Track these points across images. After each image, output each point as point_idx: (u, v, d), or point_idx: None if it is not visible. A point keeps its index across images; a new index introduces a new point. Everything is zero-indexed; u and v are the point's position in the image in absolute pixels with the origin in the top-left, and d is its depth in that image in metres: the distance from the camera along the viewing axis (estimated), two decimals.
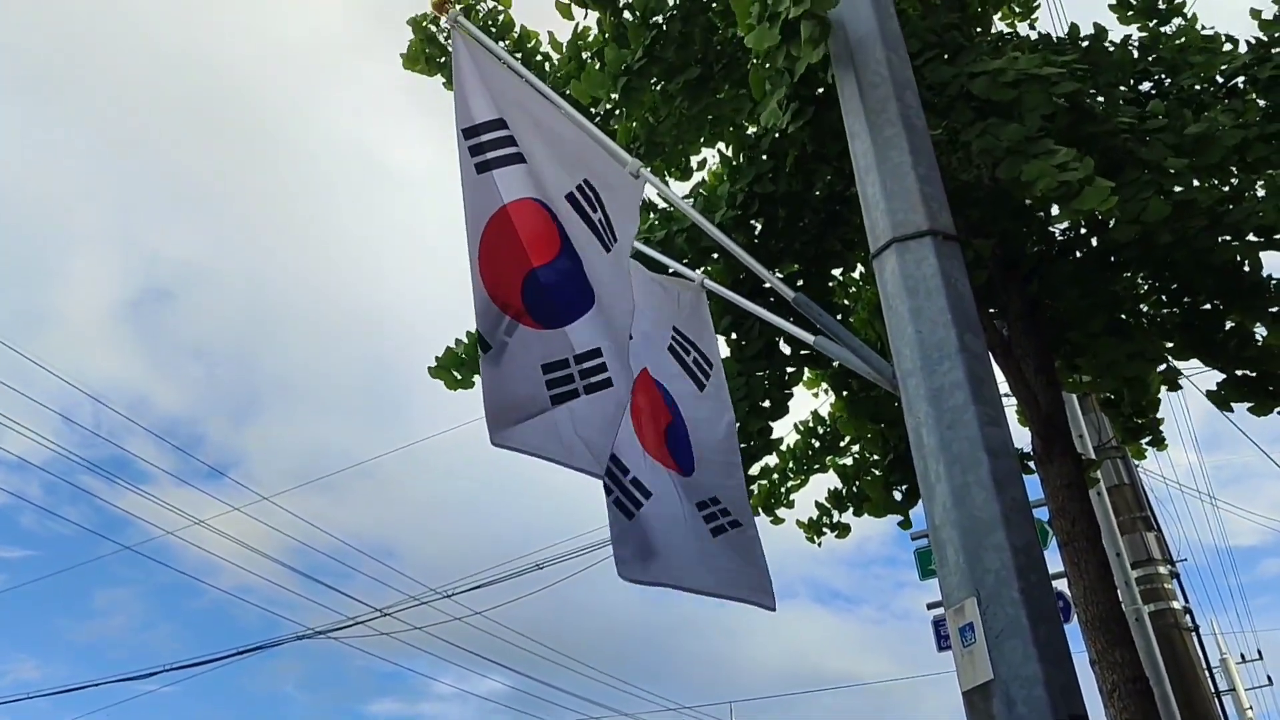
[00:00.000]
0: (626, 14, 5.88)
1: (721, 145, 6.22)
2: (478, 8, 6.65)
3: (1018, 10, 7.26)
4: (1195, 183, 4.74)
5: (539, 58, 6.73)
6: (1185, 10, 5.85)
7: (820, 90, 4.88)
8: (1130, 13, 6.03)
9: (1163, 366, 6.02)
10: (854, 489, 6.76)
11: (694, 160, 6.85)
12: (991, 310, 5.96)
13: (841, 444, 7.03)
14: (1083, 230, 5.98)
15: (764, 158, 5.37)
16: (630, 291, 3.83)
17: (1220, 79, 5.41)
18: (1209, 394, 5.53)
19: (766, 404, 5.74)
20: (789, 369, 5.80)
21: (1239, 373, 5.44)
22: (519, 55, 6.58)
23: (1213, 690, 10.48)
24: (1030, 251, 5.96)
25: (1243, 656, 21.99)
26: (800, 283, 5.65)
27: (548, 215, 3.79)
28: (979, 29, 6.45)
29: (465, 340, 6.17)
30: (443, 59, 6.74)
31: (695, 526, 4.25)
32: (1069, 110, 4.67)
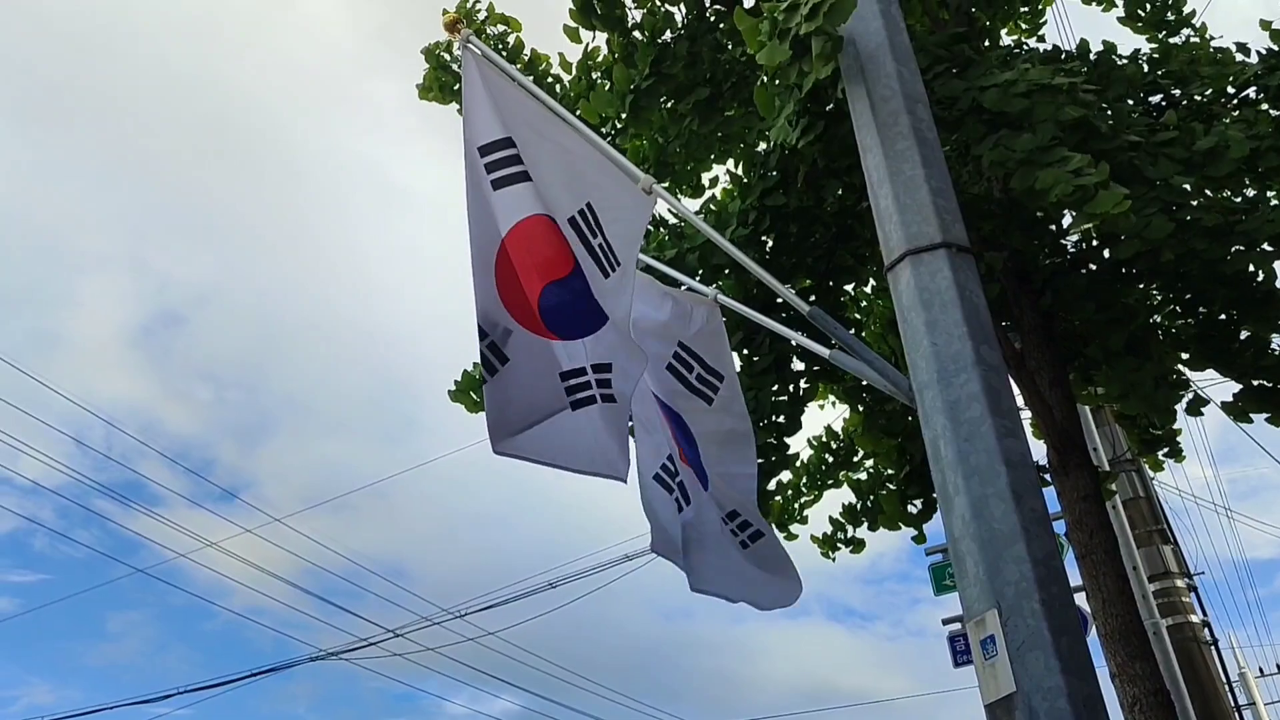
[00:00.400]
0: (635, 34, 5.92)
1: (731, 163, 6.25)
2: (487, 30, 6.71)
3: (1025, 26, 7.30)
4: (1203, 198, 4.74)
5: (549, 79, 6.78)
6: (1194, 21, 5.87)
7: (830, 106, 4.89)
8: (1139, 25, 6.06)
9: (1189, 395, 5.99)
10: (868, 503, 6.74)
11: (705, 178, 6.89)
12: (1005, 323, 5.96)
13: (855, 459, 7.02)
14: (1094, 242, 5.98)
15: (773, 173, 5.39)
16: (629, 314, 3.84)
17: (1231, 90, 5.41)
18: (1225, 405, 5.50)
19: (780, 419, 5.74)
20: (802, 384, 5.80)
21: (1256, 383, 5.42)
22: (530, 78, 6.63)
23: (1233, 704, 10.38)
24: (1043, 264, 5.96)
25: (1261, 670, 21.78)
26: (812, 298, 5.66)
27: (559, 232, 3.81)
28: (987, 43, 6.48)
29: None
30: (456, 86, 6.81)
31: (726, 539, 4.31)
32: (1077, 128, 4.68)
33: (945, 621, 10.91)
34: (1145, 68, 5.67)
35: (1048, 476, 5.62)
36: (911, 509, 6.31)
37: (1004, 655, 2.50)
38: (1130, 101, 5.39)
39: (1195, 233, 4.61)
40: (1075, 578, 5.44)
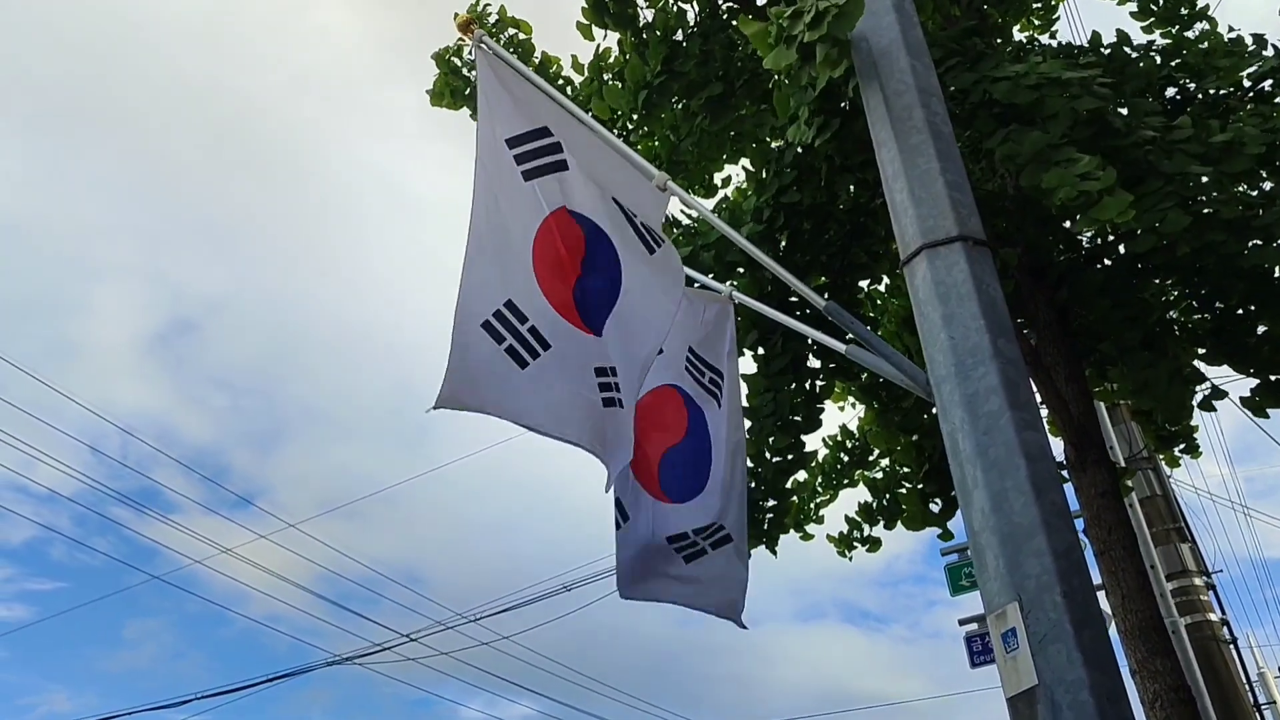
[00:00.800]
0: (647, 32, 5.92)
1: (745, 161, 6.24)
2: (499, 35, 6.72)
3: (1037, 22, 7.28)
4: (1219, 193, 4.71)
5: (560, 82, 6.79)
6: (1208, 14, 5.83)
7: (844, 103, 4.89)
8: (1152, 20, 6.03)
9: (1205, 388, 5.96)
10: (884, 502, 6.71)
11: (717, 178, 6.88)
12: (1019, 320, 5.93)
13: (871, 458, 7.00)
14: (1110, 238, 5.95)
15: (788, 170, 5.38)
16: (678, 292, 3.84)
17: (1247, 83, 5.38)
18: (1244, 400, 5.47)
19: (797, 419, 5.73)
20: (818, 382, 5.79)
21: (1274, 378, 5.38)
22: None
23: (1253, 703, 10.30)
24: (1057, 260, 5.93)
25: None
26: (826, 295, 5.65)
27: (578, 225, 3.81)
28: (999, 39, 6.46)
29: None
30: (468, 90, 6.82)
31: (662, 553, 4.27)
32: (1091, 123, 4.66)
33: (962, 622, 10.85)
34: (1159, 60, 5.64)
35: (1065, 473, 5.59)
36: (933, 507, 6.29)
37: (1025, 648, 2.48)
38: (1147, 97, 5.37)
39: (1212, 226, 4.58)
40: (1094, 575, 5.41)
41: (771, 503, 6.11)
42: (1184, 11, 6.07)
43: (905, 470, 6.52)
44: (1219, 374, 6.16)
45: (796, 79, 4.40)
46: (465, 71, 6.86)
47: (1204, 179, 4.58)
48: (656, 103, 5.79)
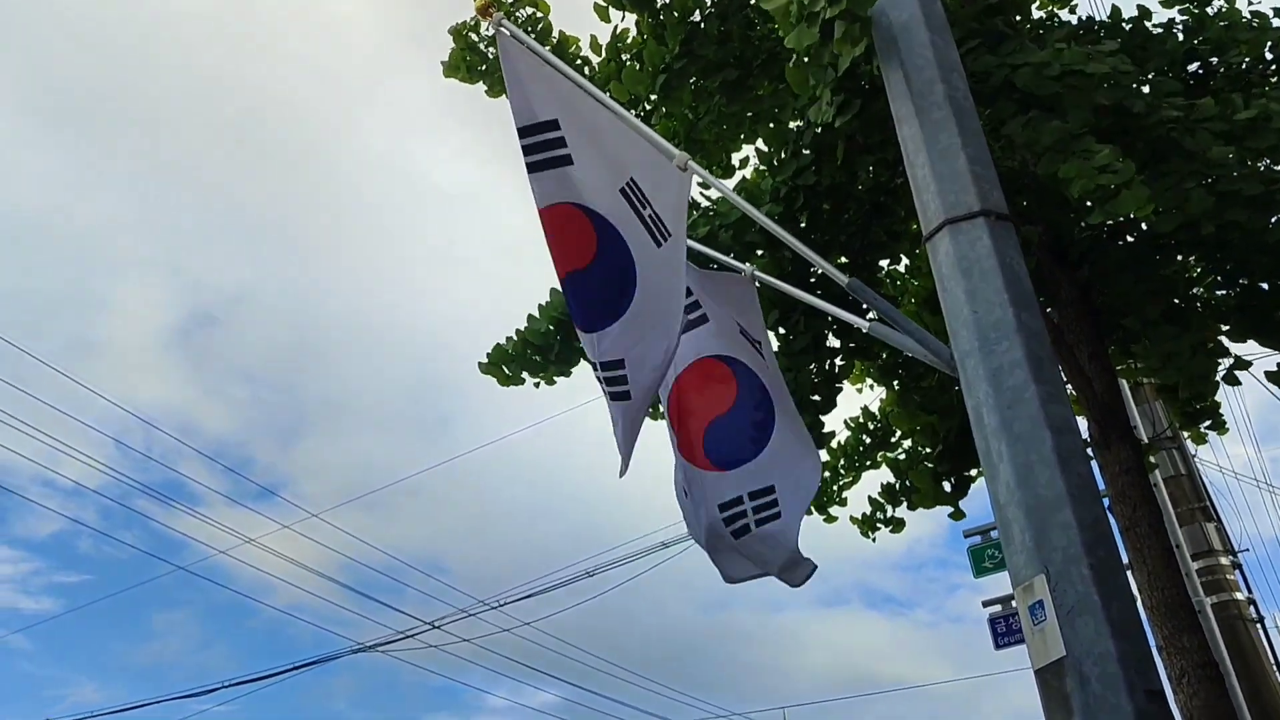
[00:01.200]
0: (663, 14, 5.90)
1: (761, 142, 6.22)
2: (516, 14, 6.71)
3: None
4: (1241, 170, 4.67)
5: (579, 62, 6.77)
6: None
7: (865, 83, 4.86)
8: None
9: (1228, 361, 5.91)
10: (907, 483, 6.71)
11: (735, 158, 6.87)
12: (1041, 298, 5.90)
13: (893, 439, 6.98)
14: (1131, 215, 5.91)
15: (807, 151, 5.36)
16: (682, 284, 3.84)
17: (1270, 56, 5.32)
18: (1269, 374, 5.43)
19: (816, 398, 5.72)
20: (837, 362, 5.78)
21: None
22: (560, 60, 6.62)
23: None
24: (1079, 237, 5.89)
25: None
26: (847, 275, 5.63)
27: (585, 220, 3.82)
28: (1018, 16, 6.40)
29: (515, 337, 6.21)
30: (483, 66, 6.81)
31: (715, 530, 4.29)
32: (1113, 111, 4.62)
33: (985, 604, 10.83)
34: (1181, 37, 5.58)
35: (1089, 451, 5.57)
36: (946, 486, 6.28)
37: (1053, 620, 2.48)
38: (1168, 74, 5.32)
39: (1235, 204, 4.54)
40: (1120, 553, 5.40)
41: None
42: None
43: (927, 450, 6.51)
44: (1245, 351, 6.12)
45: (817, 57, 4.37)
46: (482, 47, 6.84)
47: (1229, 156, 4.54)
48: (675, 85, 5.78)
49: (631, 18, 6.18)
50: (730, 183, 6.69)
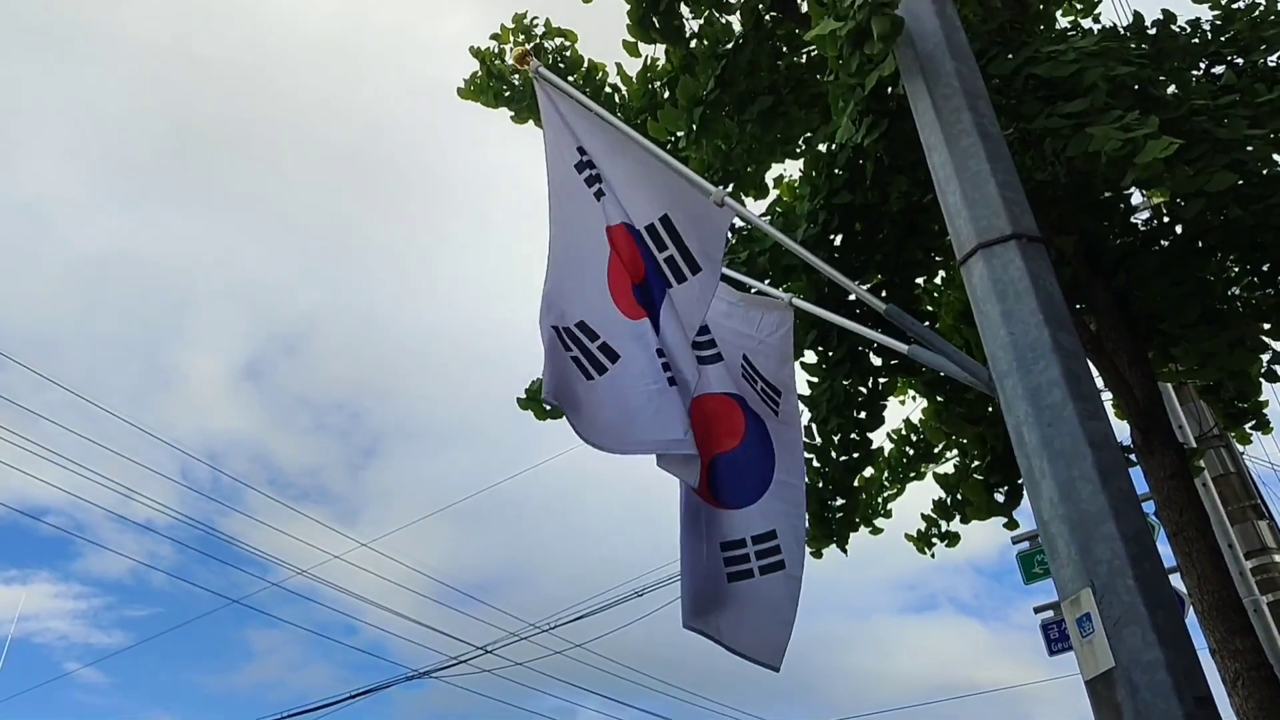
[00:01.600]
0: (694, 44, 6.05)
1: (799, 165, 6.33)
2: (545, 44, 6.88)
3: (1080, 6, 7.26)
4: (1272, 155, 4.71)
5: (608, 89, 6.93)
6: None
7: (892, 104, 4.97)
8: None
9: (1267, 355, 5.92)
10: (957, 497, 6.75)
11: (768, 177, 6.98)
12: (1079, 306, 5.96)
13: (936, 450, 7.04)
14: (1165, 219, 5.95)
15: (839, 172, 5.47)
16: (696, 319, 3.96)
17: None
18: None
19: (861, 415, 5.81)
20: (881, 378, 5.86)
21: None
22: (588, 90, 6.79)
23: None
24: (1113, 245, 5.95)
25: None
26: (883, 294, 5.72)
27: (632, 238, 3.98)
28: (1041, 26, 6.48)
29: None
30: (507, 92, 6.98)
31: (712, 568, 4.25)
32: (1138, 95, 4.69)
33: (1037, 610, 10.80)
34: (1209, 34, 5.63)
35: (1133, 457, 5.61)
36: (998, 497, 6.32)
37: (1101, 632, 2.56)
38: (1194, 72, 5.37)
39: (1275, 190, 4.56)
40: (1168, 558, 5.42)
41: (840, 501, 6.20)
42: None
43: (975, 464, 6.56)
44: None
45: (846, 68, 4.46)
46: (508, 75, 6.99)
47: (1260, 141, 4.56)
48: (711, 117, 5.92)
49: (661, 48, 6.33)
50: (764, 203, 6.81)
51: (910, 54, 3.79)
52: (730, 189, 6.16)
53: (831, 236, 5.64)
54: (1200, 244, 5.65)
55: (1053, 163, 5.80)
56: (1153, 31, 5.65)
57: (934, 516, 6.89)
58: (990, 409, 6.27)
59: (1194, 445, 9.42)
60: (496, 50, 7.01)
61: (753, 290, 4.88)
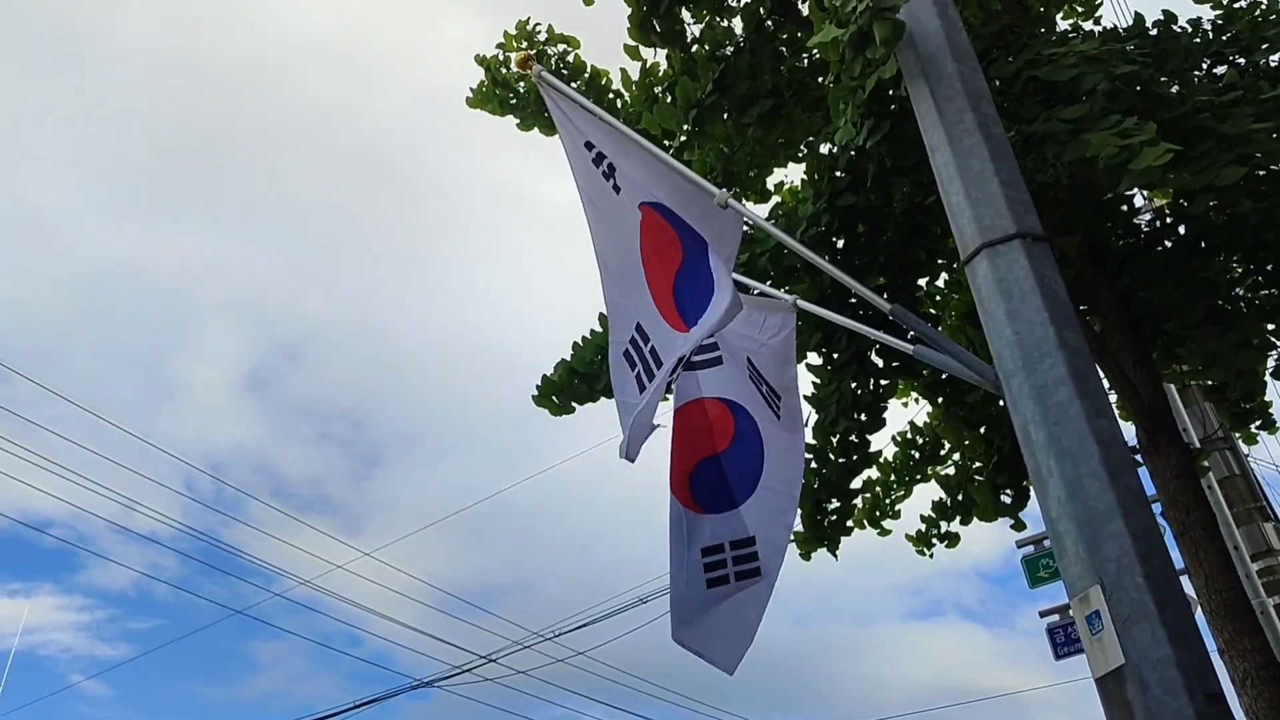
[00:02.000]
0: (695, 49, 6.05)
1: (801, 168, 6.34)
2: (548, 50, 6.88)
3: (1080, 9, 7.27)
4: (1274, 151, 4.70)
5: (610, 95, 6.94)
6: None
7: (893, 106, 4.98)
8: None
9: (1275, 354, 5.92)
10: (958, 498, 6.75)
11: (769, 182, 6.99)
12: (1082, 307, 5.95)
13: (941, 453, 7.03)
14: (1168, 219, 5.95)
15: (841, 174, 5.48)
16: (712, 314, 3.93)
17: None
18: None
19: (862, 417, 5.80)
20: (883, 381, 5.86)
21: None
22: (591, 96, 6.79)
23: None
24: (1117, 246, 5.94)
25: None
26: (885, 296, 5.72)
27: (665, 219, 3.94)
28: (1042, 29, 6.49)
29: (561, 368, 6.33)
30: (513, 100, 6.99)
31: (692, 575, 4.26)
32: (1139, 95, 4.69)
33: (1043, 614, 10.79)
34: (1210, 35, 5.64)
35: (1139, 458, 5.60)
36: (1005, 498, 6.32)
37: (1110, 629, 2.55)
38: (1196, 72, 5.38)
39: (1271, 176, 4.56)
40: (1176, 559, 5.40)
41: (835, 504, 6.17)
42: None
43: (977, 464, 6.55)
44: None
45: (849, 71, 4.47)
46: (513, 83, 6.99)
47: (1266, 135, 4.55)
48: (708, 119, 5.92)
49: (662, 53, 6.34)
50: (766, 207, 6.81)
51: (912, 55, 3.80)
52: (732, 192, 6.20)
53: (834, 239, 5.65)
54: (1204, 244, 5.64)
55: (1054, 164, 5.81)
56: (1154, 32, 5.65)
57: (933, 517, 6.88)
58: (993, 411, 6.27)
59: (1198, 447, 9.42)
60: (502, 58, 7.02)
61: (754, 292, 4.87)
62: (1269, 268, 5.60)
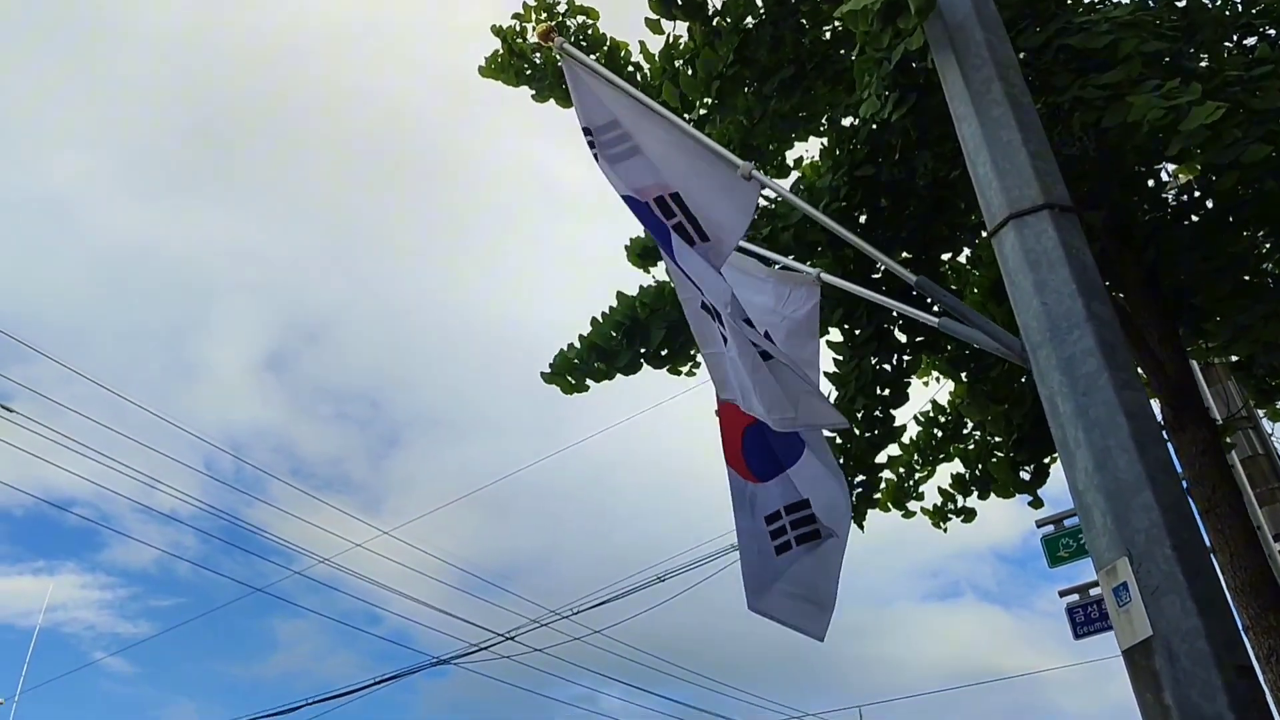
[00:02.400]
0: (716, 20, 6.00)
1: (823, 141, 6.27)
2: (568, 23, 6.82)
3: None
4: None
5: (630, 69, 6.88)
6: None
7: (920, 79, 4.92)
8: None
9: None
10: (976, 473, 6.71)
11: (789, 157, 6.93)
12: (1107, 283, 5.89)
13: (964, 431, 6.99)
14: (1196, 193, 5.87)
15: (862, 147, 5.42)
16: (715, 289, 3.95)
17: None
18: None
19: (886, 392, 5.78)
20: (905, 357, 5.82)
21: None
22: (611, 69, 6.73)
23: None
24: (1143, 220, 5.87)
25: None
26: (909, 270, 5.67)
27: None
28: (1069, 0, 6.40)
29: (579, 344, 6.29)
30: (529, 71, 6.93)
31: (763, 545, 4.32)
32: (1169, 69, 4.62)
33: (1062, 593, 10.76)
34: (1240, 6, 5.55)
35: (1164, 434, 5.55)
36: (1024, 475, 6.28)
37: (1138, 601, 2.54)
38: (1226, 44, 5.30)
39: None
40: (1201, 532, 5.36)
41: (860, 478, 6.16)
42: None
43: (996, 440, 6.51)
44: None
45: (877, 41, 4.41)
46: (530, 54, 6.93)
47: None
48: (730, 91, 5.87)
49: (683, 26, 6.28)
50: (786, 182, 6.75)
51: (939, 25, 3.75)
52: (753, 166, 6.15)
53: (856, 214, 5.60)
54: (1231, 218, 5.57)
55: (1080, 137, 5.74)
56: (1183, 4, 5.57)
57: (951, 491, 6.84)
58: (1015, 386, 6.23)
59: (1222, 425, 9.34)
60: (519, 28, 6.96)
61: (777, 266, 4.85)
62: None
